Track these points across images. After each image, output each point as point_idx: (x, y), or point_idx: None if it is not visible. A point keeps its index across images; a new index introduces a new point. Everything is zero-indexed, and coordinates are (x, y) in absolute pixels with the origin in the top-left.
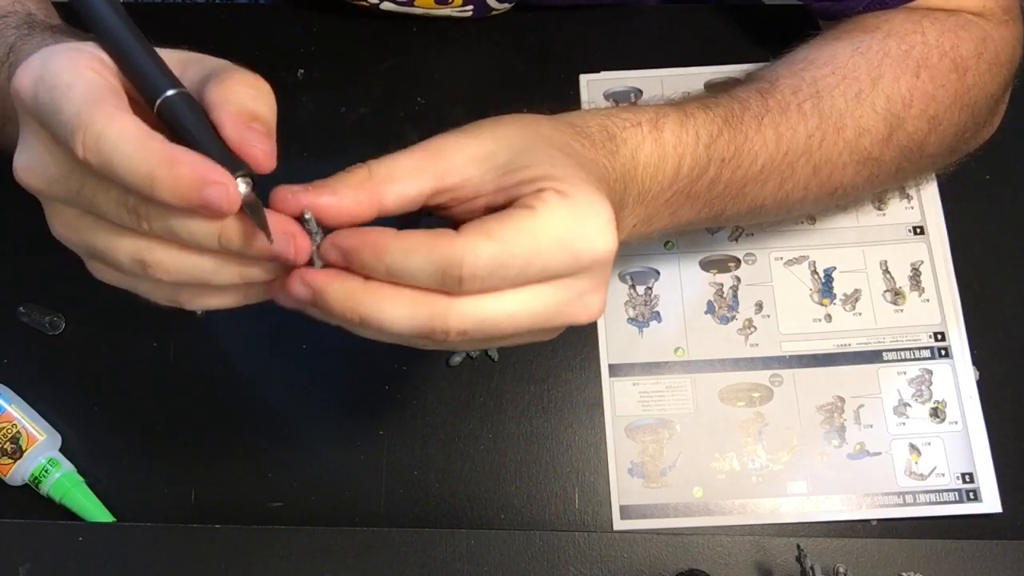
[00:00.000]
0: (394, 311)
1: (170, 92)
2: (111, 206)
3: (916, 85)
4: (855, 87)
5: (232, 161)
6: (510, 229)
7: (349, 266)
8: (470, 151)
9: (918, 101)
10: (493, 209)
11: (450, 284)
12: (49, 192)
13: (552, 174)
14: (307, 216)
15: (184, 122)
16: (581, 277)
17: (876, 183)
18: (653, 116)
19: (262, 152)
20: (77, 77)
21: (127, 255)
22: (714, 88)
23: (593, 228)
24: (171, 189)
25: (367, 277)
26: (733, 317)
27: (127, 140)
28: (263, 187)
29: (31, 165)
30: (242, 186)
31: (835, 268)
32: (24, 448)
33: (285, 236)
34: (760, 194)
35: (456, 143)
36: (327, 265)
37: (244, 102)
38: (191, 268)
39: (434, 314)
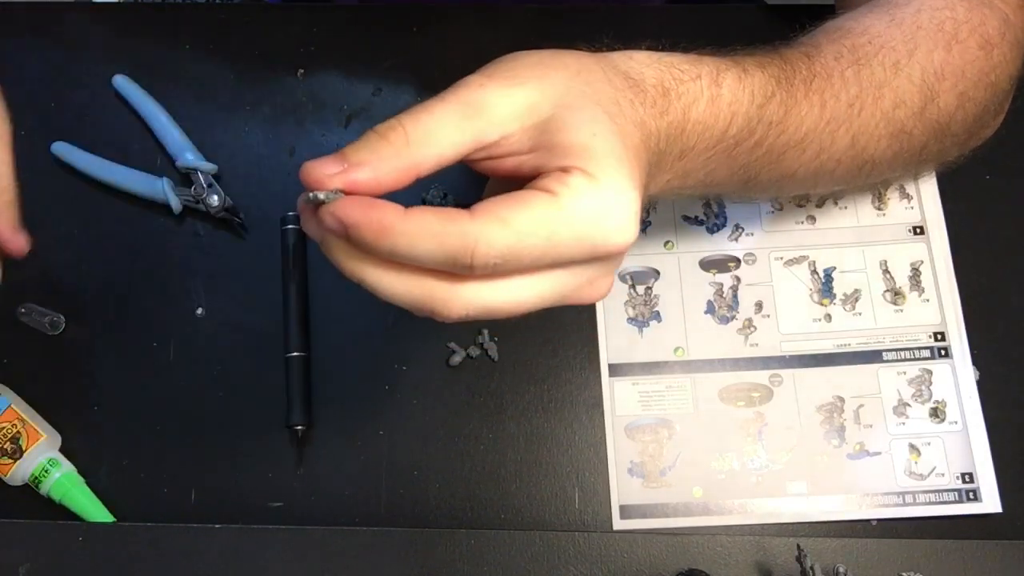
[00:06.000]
0: (394, 285)
1: None
2: None
3: (948, 59)
4: (892, 56)
5: None
6: (527, 218)
7: (348, 239)
8: (512, 106)
9: (949, 75)
10: (521, 173)
11: (459, 269)
12: None
13: (587, 148)
14: (321, 196)
15: None
16: (594, 265)
17: (903, 159)
18: (713, 70)
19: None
20: None
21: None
22: (761, 48)
23: (615, 223)
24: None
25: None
26: (733, 317)
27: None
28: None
29: None
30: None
31: (835, 268)
32: (24, 448)
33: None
34: (797, 161)
35: (498, 96)
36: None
37: None
38: None
39: (436, 297)
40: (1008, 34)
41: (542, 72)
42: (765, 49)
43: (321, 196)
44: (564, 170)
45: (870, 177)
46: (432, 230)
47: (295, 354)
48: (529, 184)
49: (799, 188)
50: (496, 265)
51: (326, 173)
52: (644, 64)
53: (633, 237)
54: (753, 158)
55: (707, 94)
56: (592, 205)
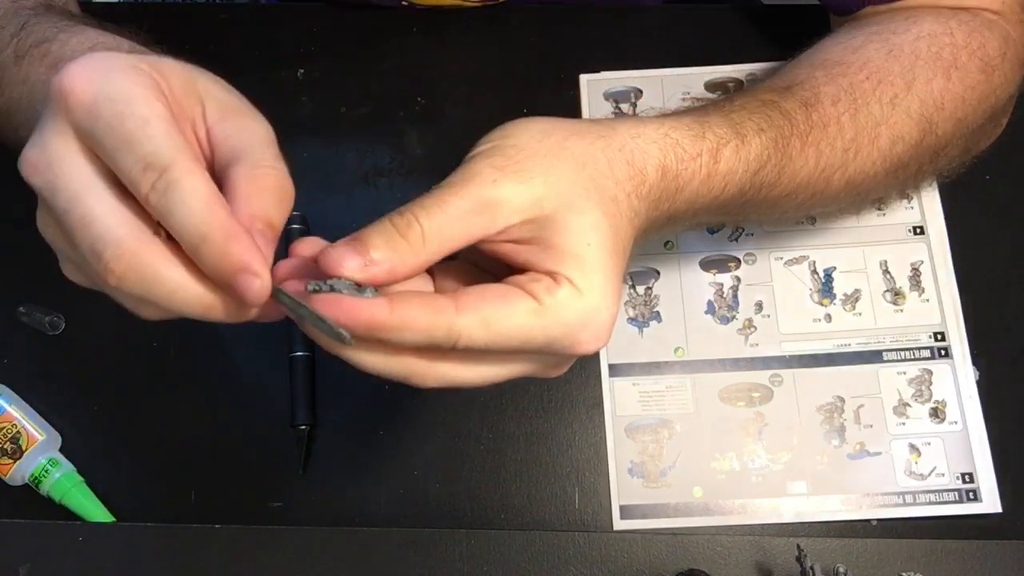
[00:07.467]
0: (375, 362)
1: None
2: (81, 250)
3: (947, 88)
4: (890, 91)
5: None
6: (510, 321)
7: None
8: (519, 202)
9: (949, 104)
10: (512, 260)
11: (439, 350)
12: (44, 192)
13: (579, 258)
14: (326, 286)
15: None
16: (562, 356)
17: (898, 186)
18: (713, 146)
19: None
20: (153, 113)
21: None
22: (762, 91)
23: (591, 334)
24: (213, 258)
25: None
26: (733, 317)
27: (198, 197)
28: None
29: (38, 163)
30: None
31: (835, 268)
32: (24, 448)
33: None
34: (789, 204)
35: (509, 195)
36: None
37: (266, 208)
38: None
39: (414, 373)
40: (1009, 52)
41: (549, 164)
42: (767, 95)
43: (326, 286)
44: (553, 277)
45: (864, 204)
46: (419, 325)
47: (300, 353)
48: (516, 279)
49: (793, 218)
50: (473, 355)
51: (348, 265)
52: (650, 141)
53: (605, 344)
54: (744, 209)
55: (704, 171)
56: (573, 318)
